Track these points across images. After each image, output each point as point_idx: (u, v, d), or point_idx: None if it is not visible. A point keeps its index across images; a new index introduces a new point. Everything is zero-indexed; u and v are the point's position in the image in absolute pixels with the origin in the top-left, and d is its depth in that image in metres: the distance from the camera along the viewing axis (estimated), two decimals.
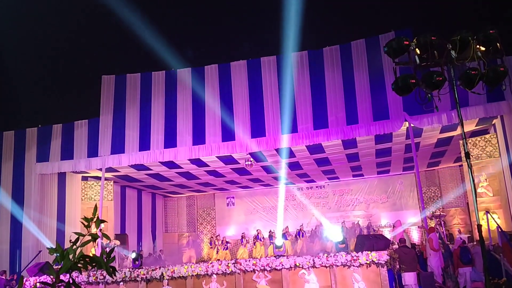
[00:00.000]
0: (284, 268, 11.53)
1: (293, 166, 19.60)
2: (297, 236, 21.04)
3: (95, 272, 12.57)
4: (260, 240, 21.08)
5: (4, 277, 15.09)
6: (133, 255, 14.69)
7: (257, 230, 22.01)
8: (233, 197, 25.76)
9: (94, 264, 3.33)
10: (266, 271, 11.66)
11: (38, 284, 3.50)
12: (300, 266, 11.44)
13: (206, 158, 17.08)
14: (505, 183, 15.25)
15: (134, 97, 17.08)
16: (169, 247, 24.24)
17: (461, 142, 16.14)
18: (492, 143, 16.08)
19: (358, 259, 11.07)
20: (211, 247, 21.98)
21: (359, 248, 11.81)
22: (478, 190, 15.93)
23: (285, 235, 21.01)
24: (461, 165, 20.23)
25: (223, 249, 21.25)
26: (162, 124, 16.66)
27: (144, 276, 12.34)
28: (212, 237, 22.88)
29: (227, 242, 21.53)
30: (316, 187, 24.62)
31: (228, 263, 12.05)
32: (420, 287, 11.97)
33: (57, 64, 28.58)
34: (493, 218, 15.01)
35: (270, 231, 21.73)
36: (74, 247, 3.33)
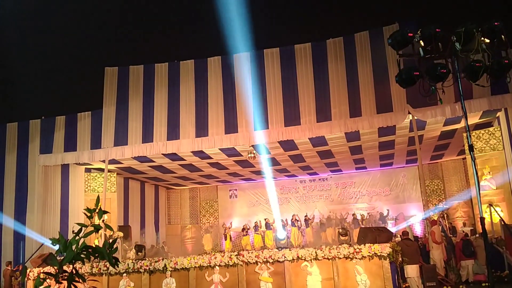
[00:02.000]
0: (287, 260, 11.53)
1: (296, 158, 19.60)
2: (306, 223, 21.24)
3: (98, 263, 12.62)
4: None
5: (9, 268, 15.20)
6: (137, 247, 14.71)
7: (265, 219, 22.27)
8: (236, 189, 25.82)
9: (97, 255, 3.35)
10: (268, 263, 11.68)
11: (41, 275, 3.51)
12: (303, 258, 11.45)
13: (209, 150, 17.09)
14: (509, 176, 15.21)
15: (137, 89, 17.06)
16: (172, 239, 24.33)
17: (464, 135, 16.09)
18: (495, 136, 16.03)
19: (361, 251, 11.05)
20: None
21: (362, 241, 11.81)
22: (482, 183, 15.90)
23: (293, 223, 21.18)
24: (465, 158, 20.20)
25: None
26: (165, 116, 16.65)
27: (147, 268, 12.37)
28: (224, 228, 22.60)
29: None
30: (319, 179, 24.62)
31: (231, 255, 12.07)
32: (422, 280, 11.99)
33: (61, 55, 28.56)
34: (496, 211, 15.01)
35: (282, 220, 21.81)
36: (77, 237, 3.34)
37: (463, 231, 16.02)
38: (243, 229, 22.34)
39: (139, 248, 14.46)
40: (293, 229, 20.96)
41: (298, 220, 21.32)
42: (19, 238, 17.16)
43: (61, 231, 16.45)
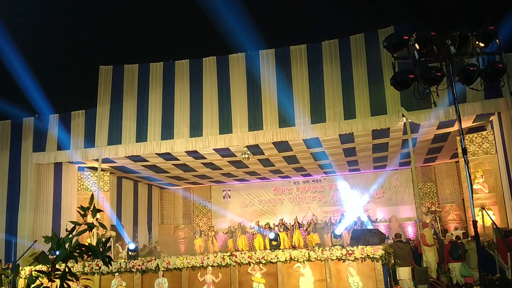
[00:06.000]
0: (279, 261, 11.56)
1: (290, 159, 19.61)
2: (293, 227, 21.17)
3: (90, 262, 12.57)
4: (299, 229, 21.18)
5: None
6: (132, 245, 14.66)
7: (256, 221, 22.31)
8: (230, 190, 25.80)
9: (90, 253, 3.34)
10: (261, 264, 11.69)
11: (33, 273, 3.50)
12: (295, 259, 11.47)
13: (203, 151, 17.06)
14: (501, 180, 15.31)
15: (132, 88, 17.00)
16: (165, 239, 24.30)
17: (458, 138, 16.18)
18: (489, 139, 16.12)
19: (353, 253, 11.09)
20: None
21: (355, 243, 11.84)
22: (474, 187, 15.99)
23: (280, 227, 21.21)
24: (458, 161, 20.30)
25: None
26: (160, 116, 16.60)
27: (140, 267, 12.35)
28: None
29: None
30: (313, 181, 24.65)
31: (224, 255, 12.08)
32: (414, 282, 12.04)
33: (55, 53, 28.43)
34: (488, 215, 15.09)
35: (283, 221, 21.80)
36: (70, 236, 3.33)
37: (452, 234, 16.12)
38: (227, 232, 22.49)
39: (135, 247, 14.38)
40: (281, 233, 20.92)
41: (284, 224, 21.32)
42: (11, 236, 17.06)
43: (54, 230, 16.36)
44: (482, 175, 16.16)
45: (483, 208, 15.24)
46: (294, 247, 17.77)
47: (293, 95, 15.48)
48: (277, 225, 21.49)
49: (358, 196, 23.20)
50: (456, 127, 15.18)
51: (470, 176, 6.68)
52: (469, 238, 15.39)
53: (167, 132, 16.43)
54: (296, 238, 20.58)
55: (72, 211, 17.80)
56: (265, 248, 18.81)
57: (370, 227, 19.42)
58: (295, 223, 21.33)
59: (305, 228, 21.51)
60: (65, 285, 3.29)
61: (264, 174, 23.14)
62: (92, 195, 3.85)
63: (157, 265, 12.27)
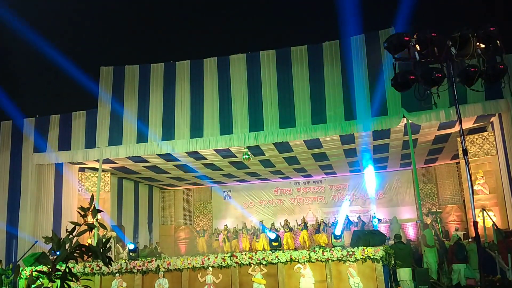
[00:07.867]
0: (280, 262, 11.55)
1: (291, 160, 19.61)
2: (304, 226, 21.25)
3: (91, 263, 12.56)
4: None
5: (0, 267, 15.09)
6: (132, 246, 14.66)
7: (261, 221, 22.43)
8: (230, 191, 25.80)
9: (90, 254, 3.34)
10: (262, 265, 11.68)
11: (34, 274, 3.52)
12: (296, 260, 11.47)
13: (204, 151, 17.07)
14: (502, 181, 15.30)
15: (133, 89, 17.00)
16: (166, 240, 24.30)
17: (458, 139, 16.17)
18: (489, 140, 16.12)
19: (354, 254, 11.09)
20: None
21: (355, 244, 11.84)
22: (475, 188, 15.98)
23: (285, 227, 21.31)
24: (458, 162, 20.28)
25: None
26: (160, 117, 16.61)
27: (140, 268, 12.34)
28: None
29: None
30: (313, 182, 24.64)
31: (224, 256, 12.07)
32: (415, 283, 12.02)
33: (56, 53, 28.42)
34: (489, 216, 15.07)
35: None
36: (71, 236, 3.33)
37: (457, 235, 16.10)
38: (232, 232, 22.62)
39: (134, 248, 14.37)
40: (286, 234, 20.98)
41: (287, 225, 21.40)
42: (11, 237, 17.06)
43: (54, 230, 16.33)
44: (483, 176, 16.16)
45: (483, 209, 15.22)
46: (295, 249, 17.78)
47: (294, 96, 15.49)
48: (282, 226, 21.57)
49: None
50: (456, 128, 15.17)
51: (470, 177, 6.68)
52: (470, 239, 15.38)
53: (168, 133, 16.43)
54: (301, 238, 20.64)
55: (72, 212, 17.79)
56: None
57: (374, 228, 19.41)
58: (302, 223, 21.36)
59: (315, 227, 21.48)
60: (66, 286, 3.30)
61: (265, 175, 23.14)
62: (93, 195, 3.85)
63: (158, 265, 12.26)
